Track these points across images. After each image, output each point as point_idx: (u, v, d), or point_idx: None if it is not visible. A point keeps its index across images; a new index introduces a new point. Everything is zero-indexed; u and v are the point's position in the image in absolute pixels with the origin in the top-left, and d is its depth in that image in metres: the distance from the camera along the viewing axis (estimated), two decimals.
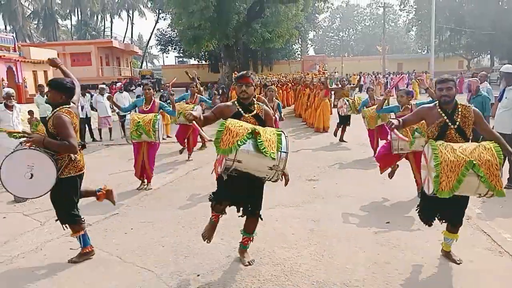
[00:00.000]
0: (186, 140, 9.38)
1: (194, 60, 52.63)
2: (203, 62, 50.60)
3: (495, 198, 5.88)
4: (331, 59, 60.10)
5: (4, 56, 25.63)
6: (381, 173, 6.52)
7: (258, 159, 3.55)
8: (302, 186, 6.98)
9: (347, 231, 4.95)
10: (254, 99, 4.11)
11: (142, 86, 20.90)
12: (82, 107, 12.40)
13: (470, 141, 3.79)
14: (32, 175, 3.91)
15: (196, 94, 9.64)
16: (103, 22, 69.66)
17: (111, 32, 67.39)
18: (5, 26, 59.20)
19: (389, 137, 6.18)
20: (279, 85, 20.12)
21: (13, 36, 28.88)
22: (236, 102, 4.03)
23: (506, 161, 6.47)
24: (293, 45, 49.55)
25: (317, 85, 13.66)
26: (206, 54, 45.09)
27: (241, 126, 3.61)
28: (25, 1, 59.40)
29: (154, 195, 6.81)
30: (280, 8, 25.97)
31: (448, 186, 3.45)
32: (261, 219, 4.15)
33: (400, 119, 3.92)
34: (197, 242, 4.75)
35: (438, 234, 4.47)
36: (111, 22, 68.20)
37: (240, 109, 3.97)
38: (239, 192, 3.94)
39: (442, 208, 3.90)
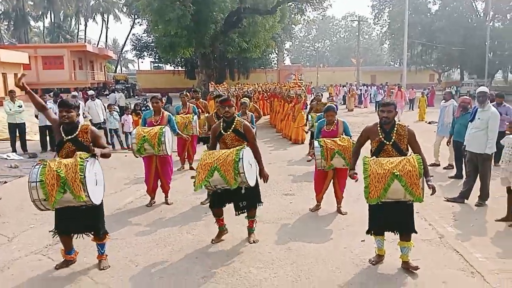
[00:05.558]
0: (186, 152, 9.37)
1: (170, 66, 52.29)
2: (179, 68, 50.30)
3: (466, 217, 6.10)
4: (307, 69, 60.85)
5: None
6: (317, 201, 6.47)
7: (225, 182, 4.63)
8: (278, 201, 6.96)
9: (324, 250, 4.94)
10: (235, 115, 5.07)
11: (117, 92, 20.57)
12: (55, 114, 12.09)
13: (406, 155, 4.31)
14: (96, 181, 4.18)
15: (187, 103, 9.50)
16: (77, 25, 68.47)
17: (85, 36, 66.26)
18: None
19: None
20: (255, 95, 20.09)
21: None
22: (221, 121, 5.04)
23: (478, 179, 6.67)
24: (270, 55, 49.91)
25: (293, 97, 13.70)
26: (183, 60, 44.90)
27: (206, 164, 4.62)
28: None
29: (126, 208, 6.66)
30: (257, 19, 26.17)
31: (376, 195, 4.07)
32: (261, 204, 5.18)
33: (352, 159, 4.75)
34: (171, 261, 4.69)
35: (413, 254, 4.53)
36: (85, 25, 67.10)
37: (222, 130, 4.96)
38: (229, 196, 4.87)
39: (388, 219, 4.32)
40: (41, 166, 3.97)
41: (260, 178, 5.01)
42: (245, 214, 5.15)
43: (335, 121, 6.24)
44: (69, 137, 4.24)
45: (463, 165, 7.72)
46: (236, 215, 5.10)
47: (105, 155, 4.31)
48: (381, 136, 4.34)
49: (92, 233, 4.45)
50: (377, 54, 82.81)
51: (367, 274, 4.36)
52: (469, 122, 6.78)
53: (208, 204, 5.26)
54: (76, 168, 3.90)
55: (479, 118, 6.54)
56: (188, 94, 10.25)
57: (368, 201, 4.19)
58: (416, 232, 4.40)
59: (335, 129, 6.18)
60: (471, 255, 4.79)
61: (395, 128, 4.33)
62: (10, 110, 11.27)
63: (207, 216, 5.87)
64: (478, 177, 6.68)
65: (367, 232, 4.53)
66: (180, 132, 7.43)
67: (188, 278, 4.24)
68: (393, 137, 4.30)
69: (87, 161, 4.01)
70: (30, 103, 17.19)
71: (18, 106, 11.38)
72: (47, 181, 3.87)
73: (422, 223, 5.81)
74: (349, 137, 6.07)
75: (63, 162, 4.00)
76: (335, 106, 6.45)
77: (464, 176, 7.35)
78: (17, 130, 11.64)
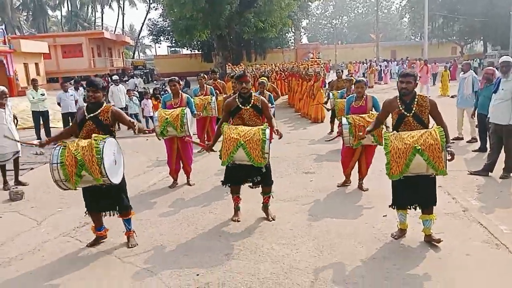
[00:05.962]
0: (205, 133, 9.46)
1: (187, 49, 52.28)
2: (196, 51, 50.24)
3: (491, 189, 6.01)
4: (324, 47, 59.97)
5: None
6: (346, 176, 6.46)
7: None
8: (299, 180, 6.97)
9: (345, 226, 4.96)
10: (252, 91, 5.04)
11: (136, 77, 20.73)
12: (76, 101, 12.31)
13: (428, 126, 4.25)
14: (115, 161, 4.25)
15: (205, 85, 9.57)
16: (93, 12, 68.83)
17: (102, 23, 66.71)
18: None
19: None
20: (272, 75, 19.94)
21: (2, 28, 28.40)
22: (237, 96, 5.01)
23: (502, 151, 6.54)
24: (286, 34, 49.27)
25: (312, 75, 13.57)
26: (199, 43, 44.76)
27: (232, 138, 4.63)
28: None
29: (149, 190, 6.79)
30: None
31: (397, 170, 4.04)
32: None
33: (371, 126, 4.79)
34: (195, 239, 4.78)
35: (437, 228, 4.50)
36: (102, 12, 67.48)
37: (239, 104, 4.93)
38: (243, 172, 4.88)
39: (412, 193, 4.28)
40: (61, 147, 4.07)
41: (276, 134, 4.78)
42: (260, 191, 5.18)
43: (364, 96, 6.14)
44: (91, 115, 4.31)
45: (487, 138, 7.57)
46: (252, 188, 5.12)
47: (141, 129, 4.51)
48: (401, 108, 4.26)
49: (117, 209, 4.56)
50: (397, 28, 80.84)
51: (390, 248, 4.36)
52: (493, 94, 6.62)
53: (223, 181, 5.14)
54: (92, 150, 3.98)
55: (502, 89, 6.37)
56: (206, 76, 10.28)
57: (390, 177, 4.16)
58: (435, 204, 4.35)
59: (364, 105, 6.06)
60: (495, 227, 4.73)
61: (416, 99, 4.24)
62: (33, 98, 11.53)
63: (228, 196, 5.91)
64: (502, 149, 6.55)
65: (390, 206, 4.50)
66: (196, 112, 7.50)
67: (211, 255, 4.32)
68: (414, 109, 4.22)
69: (104, 142, 4.07)
70: (52, 91, 17.59)
71: (41, 94, 11.63)
72: (66, 163, 3.98)
73: (446, 197, 5.75)
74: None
75: (80, 145, 4.07)
76: (365, 80, 6.39)
77: (488, 149, 7.22)
78: (41, 118, 11.93)
